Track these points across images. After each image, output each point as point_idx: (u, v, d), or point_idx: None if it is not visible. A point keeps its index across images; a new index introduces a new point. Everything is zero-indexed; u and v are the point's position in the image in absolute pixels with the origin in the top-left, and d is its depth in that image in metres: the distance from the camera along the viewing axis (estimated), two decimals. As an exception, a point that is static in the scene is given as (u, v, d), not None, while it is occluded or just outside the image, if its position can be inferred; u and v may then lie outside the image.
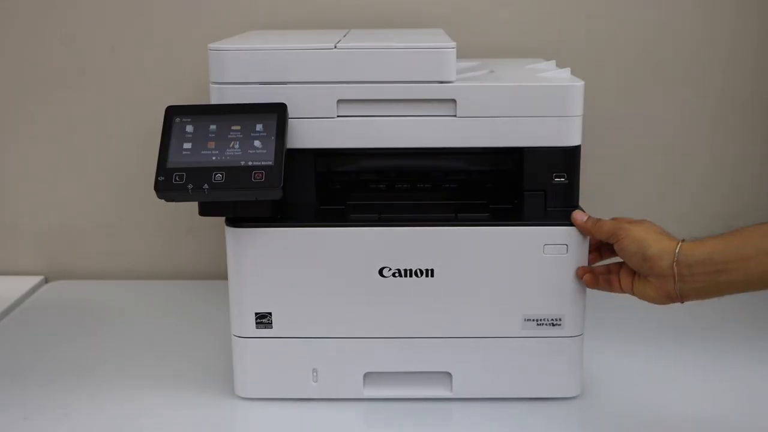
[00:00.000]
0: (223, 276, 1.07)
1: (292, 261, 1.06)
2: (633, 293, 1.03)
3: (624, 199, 1.53)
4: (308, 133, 1.06)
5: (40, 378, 1.18)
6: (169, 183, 1.00)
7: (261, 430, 1.07)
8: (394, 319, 1.07)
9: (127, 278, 1.57)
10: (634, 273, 1.02)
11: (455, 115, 1.06)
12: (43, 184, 1.56)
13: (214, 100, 1.06)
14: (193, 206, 1.05)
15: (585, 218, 1.05)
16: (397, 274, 1.06)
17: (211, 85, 1.07)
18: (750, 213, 1.54)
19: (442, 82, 1.05)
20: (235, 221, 1.05)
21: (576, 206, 1.08)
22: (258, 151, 1.02)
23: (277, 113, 1.04)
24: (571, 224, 1.05)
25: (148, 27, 1.49)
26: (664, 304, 0.99)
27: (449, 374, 1.08)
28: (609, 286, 1.05)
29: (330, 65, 1.04)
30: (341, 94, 1.05)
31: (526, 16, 1.47)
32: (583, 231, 1.05)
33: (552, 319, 1.07)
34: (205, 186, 1.00)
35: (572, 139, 1.07)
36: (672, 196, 1.54)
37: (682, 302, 0.97)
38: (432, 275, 1.06)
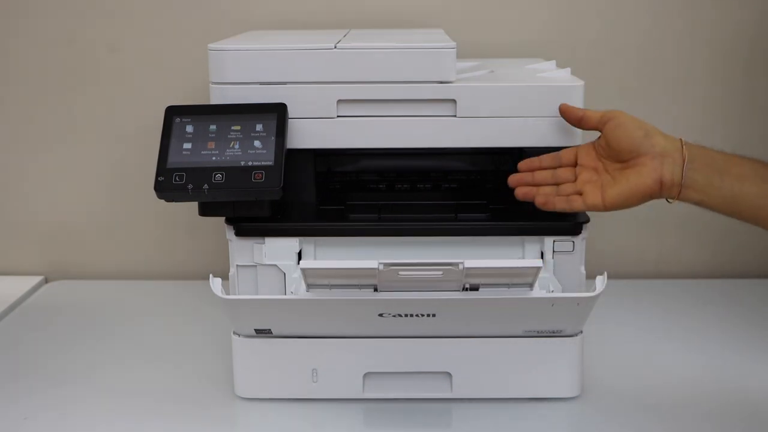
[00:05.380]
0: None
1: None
2: (596, 192, 0.94)
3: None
4: (308, 133, 1.06)
5: (40, 378, 1.18)
6: (169, 183, 1.00)
7: (261, 430, 1.07)
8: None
9: (127, 278, 1.56)
10: (599, 164, 0.95)
11: (455, 115, 1.06)
12: (43, 184, 1.55)
13: (214, 100, 1.06)
14: (193, 206, 1.05)
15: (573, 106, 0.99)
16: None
17: (211, 85, 1.07)
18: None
19: (442, 82, 1.05)
20: (235, 221, 1.05)
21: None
22: (258, 151, 1.02)
23: (277, 113, 1.04)
24: (570, 226, 1.05)
25: (148, 27, 1.49)
26: (645, 198, 0.91)
27: (449, 374, 1.08)
28: (555, 191, 0.97)
29: (330, 65, 1.04)
30: (341, 94, 1.05)
31: (526, 16, 1.47)
32: (572, 119, 1.00)
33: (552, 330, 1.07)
34: (205, 186, 1.00)
35: (572, 139, 1.07)
36: (672, 196, 1.54)
37: (677, 197, 0.90)
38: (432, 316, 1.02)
